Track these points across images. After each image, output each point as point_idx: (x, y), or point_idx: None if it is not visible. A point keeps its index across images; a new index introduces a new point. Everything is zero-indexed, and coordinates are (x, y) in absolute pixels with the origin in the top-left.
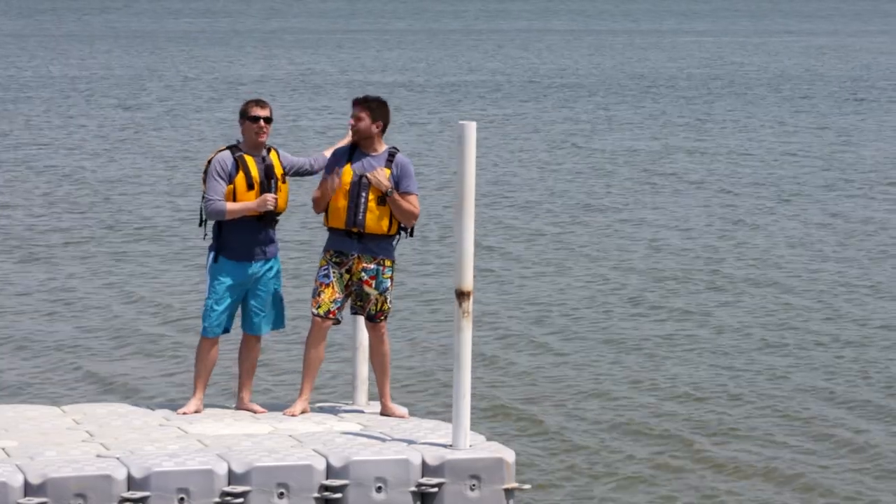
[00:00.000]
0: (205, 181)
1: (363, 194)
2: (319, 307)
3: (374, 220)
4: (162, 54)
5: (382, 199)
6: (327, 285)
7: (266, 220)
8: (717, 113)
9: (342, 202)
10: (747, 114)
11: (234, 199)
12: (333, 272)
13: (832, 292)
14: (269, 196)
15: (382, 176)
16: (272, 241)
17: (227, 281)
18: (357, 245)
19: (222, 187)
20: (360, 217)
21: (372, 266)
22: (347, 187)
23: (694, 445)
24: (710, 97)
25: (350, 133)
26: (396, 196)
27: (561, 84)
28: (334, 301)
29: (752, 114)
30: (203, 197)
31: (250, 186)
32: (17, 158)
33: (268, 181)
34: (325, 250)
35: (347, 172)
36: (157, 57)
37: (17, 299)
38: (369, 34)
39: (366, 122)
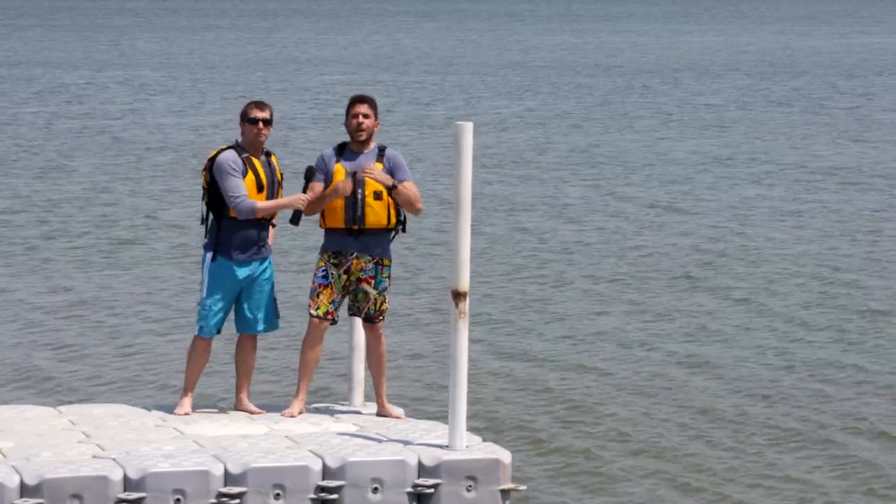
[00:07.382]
0: (207, 179)
1: (359, 191)
2: (318, 308)
3: (374, 214)
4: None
5: (379, 193)
6: (326, 286)
7: (266, 220)
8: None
9: (339, 201)
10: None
11: None
12: (332, 273)
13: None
14: (302, 195)
15: (379, 171)
16: (266, 241)
17: (226, 281)
18: (356, 243)
19: (242, 183)
20: (360, 213)
21: (370, 266)
22: None
23: (693, 446)
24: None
25: (358, 134)
26: (400, 188)
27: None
28: (332, 302)
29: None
30: (204, 193)
31: (260, 188)
32: None
33: (274, 183)
34: (323, 251)
35: (339, 172)
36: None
37: (12, 299)
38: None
39: (371, 119)
